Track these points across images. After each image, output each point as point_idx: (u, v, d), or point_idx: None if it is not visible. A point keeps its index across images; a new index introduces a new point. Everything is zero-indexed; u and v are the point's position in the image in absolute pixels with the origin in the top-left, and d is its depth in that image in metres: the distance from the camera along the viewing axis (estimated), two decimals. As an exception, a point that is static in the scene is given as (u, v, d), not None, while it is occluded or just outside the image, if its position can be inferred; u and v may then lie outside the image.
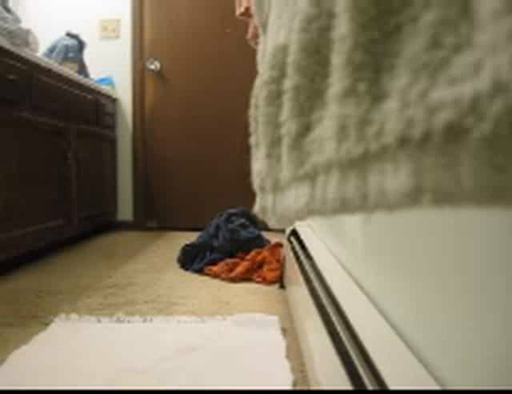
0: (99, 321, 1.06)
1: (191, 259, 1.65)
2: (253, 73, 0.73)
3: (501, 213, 0.23)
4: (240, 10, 1.33)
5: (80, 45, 2.24)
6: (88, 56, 2.32)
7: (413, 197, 0.14)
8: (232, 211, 1.79)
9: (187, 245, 1.70)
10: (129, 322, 1.06)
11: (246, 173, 0.60)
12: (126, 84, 2.56)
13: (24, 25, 1.70)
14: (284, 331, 1.01)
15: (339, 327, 0.51)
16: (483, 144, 0.11)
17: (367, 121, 0.16)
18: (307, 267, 0.84)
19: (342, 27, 0.18)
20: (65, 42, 2.16)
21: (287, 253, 1.24)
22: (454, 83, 0.12)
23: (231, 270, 1.52)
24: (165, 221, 2.61)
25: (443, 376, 0.30)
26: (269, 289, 1.40)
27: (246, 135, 0.45)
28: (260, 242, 1.71)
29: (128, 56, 2.55)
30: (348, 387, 0.41)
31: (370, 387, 0.37)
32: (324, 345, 0.53)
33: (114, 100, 2.51)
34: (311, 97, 0.23)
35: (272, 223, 0.37)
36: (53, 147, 1.77)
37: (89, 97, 2.12)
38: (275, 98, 0.30)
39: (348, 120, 0.18)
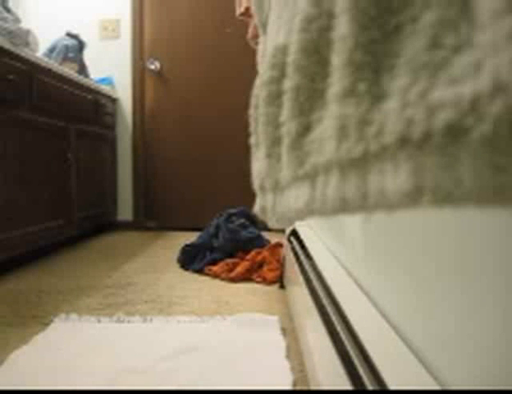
0: (99, 321, 1.06)
1: (191, 259, 1.65)
2: (253, 73, 0.73)
3: (501, 213, 0.23)
4: (239, 10, 1.33)
5: (80, 45, 2.24)
6: (88, 56, 2.32)
7: (413, 197, 0.14)
8: (232, 211, 1.79)
9: (187, 245, 1.70)
10: (129, 322, 1.06)
11: (246, 173, 0.60)
12: (126, 84, 2.56)
13: (24, 25, 1.70)
14: (284, 331, 1.01)
15: (339, 327, 0.51)
16: (483, 144, 0.11)
17: (367, 121, 0.16)
18: (307, 267, 0.84)
19: (342, 27, 0.18)
20: (65, 42, 2.16)
21: (287, 253, 1.24)
22: (454, 83, 0.12)
23: (231, 270, 1.52)
24: (165, 221, 2.61)
25: (443, 376, 0.30)
26: (269, 289, 1.40)
27: (246, 134, 0.45)
28: (260, 242, 1.71)
29: (128, 56, 2.55)
30: (348, 387, 0.41)
31: (370, 387, 0.37)
32: (324, 345, 0.53)
33: (114, 100, 2.51)
34: (311, 97, 0.23)
35: (271, 223, 0.37)
36: (53, 147, 1.77)
37: (89, 97, 2.12)
38: (275, 98, 0.30)
39: (348, 120, 0.18)
